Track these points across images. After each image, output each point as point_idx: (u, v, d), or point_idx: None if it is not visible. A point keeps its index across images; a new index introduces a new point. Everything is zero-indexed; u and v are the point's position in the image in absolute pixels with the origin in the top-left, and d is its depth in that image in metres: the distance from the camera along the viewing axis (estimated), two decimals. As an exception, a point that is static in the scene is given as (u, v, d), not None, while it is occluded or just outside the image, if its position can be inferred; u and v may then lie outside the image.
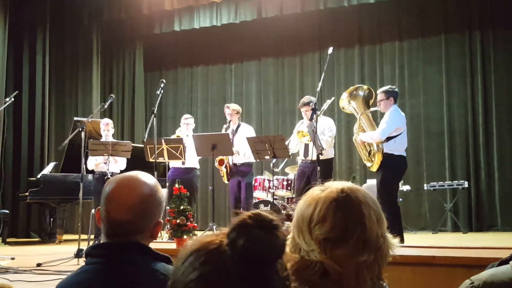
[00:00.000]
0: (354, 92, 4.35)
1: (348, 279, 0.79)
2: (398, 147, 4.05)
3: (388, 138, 4.02)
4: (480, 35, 6.68)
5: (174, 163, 5.29)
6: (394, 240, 0.85)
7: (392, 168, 4.02)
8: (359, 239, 0.80)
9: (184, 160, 5.04)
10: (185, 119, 5.48)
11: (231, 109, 5.17)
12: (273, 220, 0.68)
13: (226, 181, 5.21)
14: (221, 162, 5.08)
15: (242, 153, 4.98)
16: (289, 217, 5.03)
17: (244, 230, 0.66)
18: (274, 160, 4.93)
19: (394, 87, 4.35)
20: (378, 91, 4.25)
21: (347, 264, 0.79)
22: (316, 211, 0.82)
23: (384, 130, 4.01)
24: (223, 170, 5.14)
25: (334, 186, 0.86)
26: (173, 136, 5.33)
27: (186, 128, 5.37)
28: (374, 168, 4.12)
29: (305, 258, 0.80)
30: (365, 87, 4.43)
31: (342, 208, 0.81)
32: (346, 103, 4.33)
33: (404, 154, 4.12)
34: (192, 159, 5.24)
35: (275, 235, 0.66)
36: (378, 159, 4.04)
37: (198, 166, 5.47)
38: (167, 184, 4.96)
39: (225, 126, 5.18)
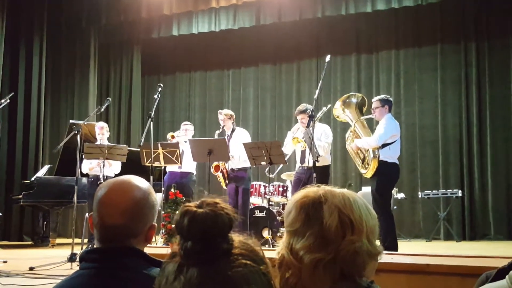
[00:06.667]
0: (347, 100, 4.41)
1: (305, 274, 0.81)
2: (392, 155, 4.12)
3: (384, 145, 4.08)
4: (475, 45, 6.75)
5: (170, 168, 5.30)
6: (377, 249, 0.84)
7: (386, 175, 4.08)
8: (317, 235, 0.81)
9: (180, 165, 5.04)
10: (184, 125, 5.56)
11: (223, 114, 5.21)
12: (216, 202, 0.75)
13: (224, 187, 5.22)
14: (216, 168, 5.09)
15: (237, 157, 4.98)
16: (283, 224, 5.02)
17: (187, 212, 0.74)
18: (267, 169, 4.93)
19: (389, 96, 4.47)
20: (373, 99, 4.33)
21: (304, 259, 0.81)
22: (291, 212, 0.87)
23: (381, 135, 4.06)
24: (219, 175, 5.14)
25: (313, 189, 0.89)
26: (168, 135, 5.36)
27: (184, 134, 5.42)
28: (369, 175, 4.15)
29: (283, 257, 0.85)
30: (358, 94, 4.51)
31: (307, 204, 0.85)
32: (341, 111, 4.38)
33: (397, 162, 4.19)
34: (188, 164, 5.26)
35: (216, 213, 0.73)
36: (373, 165, 4.06)
37: (194, 171, 5.46)
38: (163, 188, 4.95)
39: (217, 132, 5.19)
